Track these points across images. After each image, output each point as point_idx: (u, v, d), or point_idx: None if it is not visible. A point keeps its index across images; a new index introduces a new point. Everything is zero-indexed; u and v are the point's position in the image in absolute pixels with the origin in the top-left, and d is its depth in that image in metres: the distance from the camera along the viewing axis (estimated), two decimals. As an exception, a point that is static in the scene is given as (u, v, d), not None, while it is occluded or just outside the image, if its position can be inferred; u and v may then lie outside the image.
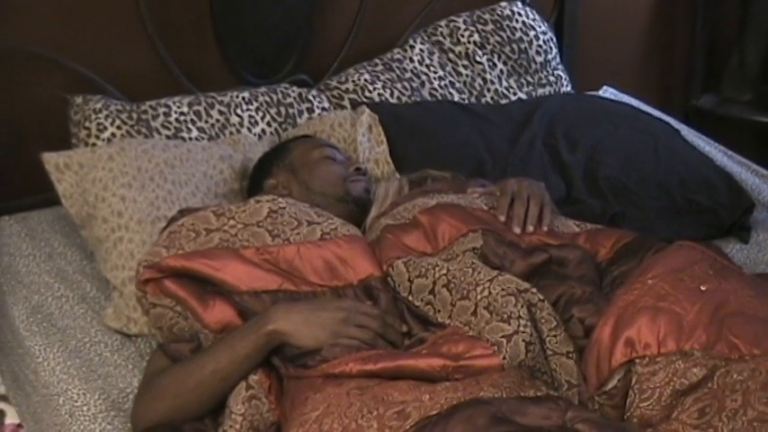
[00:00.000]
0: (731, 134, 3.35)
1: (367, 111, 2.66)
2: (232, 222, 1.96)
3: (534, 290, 1.77)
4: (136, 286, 1.92)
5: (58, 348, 2.08)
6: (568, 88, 3.15)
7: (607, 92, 3.26)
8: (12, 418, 2.31)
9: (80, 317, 2.18)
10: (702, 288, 1.71)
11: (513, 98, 3.02)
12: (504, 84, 3.03)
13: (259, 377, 1.73)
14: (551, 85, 3.10)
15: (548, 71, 3.09)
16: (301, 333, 1.74)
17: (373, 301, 1.86)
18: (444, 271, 1.83)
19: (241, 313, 1.82)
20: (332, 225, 2.00)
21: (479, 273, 1.80)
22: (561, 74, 3.13)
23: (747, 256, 2.39)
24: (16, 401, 2.23)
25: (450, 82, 2.96)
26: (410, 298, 1.86)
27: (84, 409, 1.91)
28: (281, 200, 2.04)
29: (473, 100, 2.97)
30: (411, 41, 2.99)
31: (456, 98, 2.93)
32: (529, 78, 3.06)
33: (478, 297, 1.75)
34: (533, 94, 3.06)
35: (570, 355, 1.72)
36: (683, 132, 2.91)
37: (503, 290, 1.74)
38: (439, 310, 1.81)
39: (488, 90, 3.00)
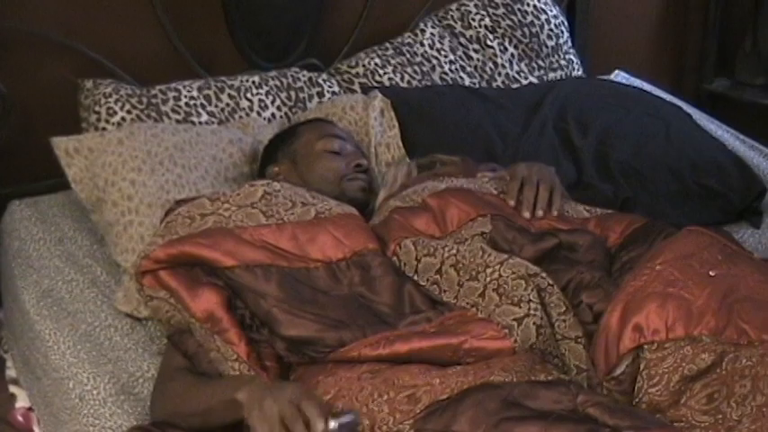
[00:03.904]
0: (744, 118, 3.33)
1: (379, 95, 2.65)
2: (226, 206, 1.95)
3: (544, 274, 1.77)
4: (135, 279, 1.91)
5: (69, 332, 2.08)
6: (580, 72, 3.13)
7: (619, 76, 3.24)
8: (23, 402, 2.33)
9: (90, 301, 2.18)
10: (711, 273, 1.71)
11: (525, 82, 3.00)
12: (516, 68, 3.01)
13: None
14: (563, 69, 3.08)
15: (559, 55, 3.08)
16: (253, 414, 1.52)
17: (366, 271, 1.85)
18: (454, 251, 1.83)
19: (229, 300, 1.79)
20: (327, 206, 1.99)
21: (489, 255, 1.79)
22: (573, 58, 3.11)
23: (759, 240, 2.38)
24: (27, 385, 2.25)
25: (460, 66, 2.94)
26: (416, 278, 1.85)
27: (95, 392, 1.91)
28: (276, 184, 2.04)
29: (484, 84, 2.95)
30: (422, 25, 2.98)
31: (467, 82, 2.92)
32: (540, 62, 3.05)
33: (488, 279, 1.75)
34: (545, 78, 3.04)
35: (579, 339, 1.72)
36: (696, 116, 2.90)
37: (513, 273, 1.74)
38: (445, 290, 1.81)
39: (499, 74, 2.99)
